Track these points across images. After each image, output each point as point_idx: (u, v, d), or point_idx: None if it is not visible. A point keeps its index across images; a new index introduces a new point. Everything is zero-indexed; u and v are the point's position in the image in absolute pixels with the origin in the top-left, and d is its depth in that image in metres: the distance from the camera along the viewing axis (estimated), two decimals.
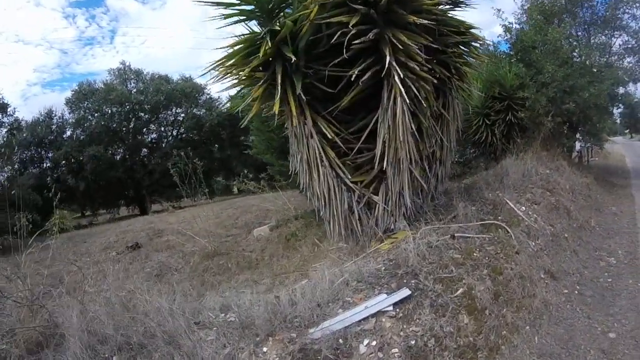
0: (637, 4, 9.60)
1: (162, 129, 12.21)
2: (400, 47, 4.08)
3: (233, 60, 4.68)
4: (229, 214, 9.36)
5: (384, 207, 4.77)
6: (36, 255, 4.12)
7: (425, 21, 4.02)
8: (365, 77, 4.15)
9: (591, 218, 6.59)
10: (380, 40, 4.22)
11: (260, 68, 4.66)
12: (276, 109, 4.39)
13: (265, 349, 2.76)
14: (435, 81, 4.42)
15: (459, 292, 3.52)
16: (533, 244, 4.72)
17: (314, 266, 4.91)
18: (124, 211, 12.70)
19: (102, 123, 11.24)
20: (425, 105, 4.68)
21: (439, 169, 5.46)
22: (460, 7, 5.30)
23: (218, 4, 4.60)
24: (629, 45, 9.80)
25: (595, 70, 9.20)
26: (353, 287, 3.59)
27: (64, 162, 11.45)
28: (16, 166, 10.84)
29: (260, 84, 4.61)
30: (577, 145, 10.21)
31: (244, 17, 4.73)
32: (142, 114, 12.91)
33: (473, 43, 5.45)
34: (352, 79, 4.17)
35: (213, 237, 8.22)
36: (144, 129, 12.78)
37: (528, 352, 3.35)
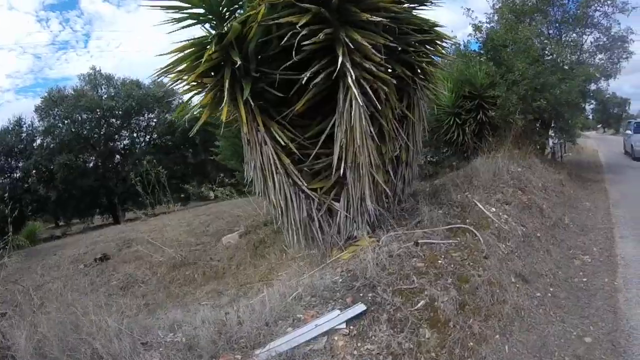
0: (609, 2, 9.46)
1: (135, 135, 11.65)
2: (355, 47, 3.78)
3: (183, 65, 4.26)
4: (202, 220, 8.90)
5: (346, 214, 4.39)
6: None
7: (378, 18, 3.69)
8: (318, 79, 3.82)
9: (565, 215, 6.32)
10: (335, 40, 3.88)
11: (212, 73, 4.26)
12: (224, 116, 4.05)
13: None
14: (394, 81, 4.09)
15: (420, 304, 3.18)
16: (503, 246, 4.39)
17: (279, 275, 4.55)
18: (99, 220, 12.11)
19: (73, 130, 10.65)
20: (387, 106, 4.35)
21: (405, 171, 5.11)
22: (426, 5, 4.98)
23: (168, 7, 4.19)
24: (600, 43, 9.65)
25: (566, 67, 9.03)
26: (306, 303, 3.27)
27: (34, 171, 10.83)
28: None
29: (207, 90, 4.22)
30: (550, 141, 10.03)
31: (195, 21, 4.33)
32: (114, 120, 12.26)
33: (439, 42, 5.11)
34: (304, 82, 3.84)
35: (183, 246, 7.81)
36: (116, 136, 12.17)
37: None
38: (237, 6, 4.32)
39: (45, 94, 11.34)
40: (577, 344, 3.30)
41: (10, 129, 10.95)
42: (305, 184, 4.40)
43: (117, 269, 7.44)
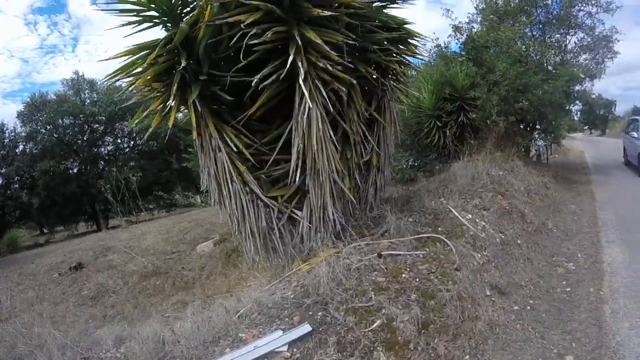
0: (593, 1, 9.09)
1: (119, 140, 11.16)
2: (311, 45, 3.43)
3: (138, 69, 3.88)
4: (181, 228, 8.51)
5: (309, 224, 3.97)
6: None
7: (328, 12, 3.29)
8: (269, 81, 3.44)
9: (548, 219, 5.88)
10: (290, 39, 3.48)
11: (165, 78, 3.88)
12: (170, 122, 3.68)
13: None
14: (354, 81, 3.67)
15: (375, 324, 2.76)
16: (479, 256, 3.95)
17: (249, 285, 4.16)
18: (83, 227, 11.66)
19: (55, 136, 10.19)
20: (352, 108, 3.95)
21: (377, 177, 4.68)
22: (397, 3, 4.59)
23: (122, 11, 3.83)
24: (584, 43, 9.27)
25: (550, 68, 8.64)
26: (251, 320, 2.94)
27: (17, 178, 10.39)
28: None
29: (158, 95, 3.84)
30: (535, 143, 9.60)
31: (152, 24, 3.96)
32: (97, 126, 11.74)
33: (411, 40, 4.70)
34: (253, 84, 3.47)
35: (158, 254, 7.48)
36: (99, 142, 11.68)
37: None
38: (189, 8, 3.95)
39: (28, 99, 11.00)
40: None
41: None
42: (263, 192, 4.03)
43: (89, 279, 7.12)
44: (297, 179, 3.66)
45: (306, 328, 2.65)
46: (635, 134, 10.23)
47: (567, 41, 9.12)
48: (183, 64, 3.50)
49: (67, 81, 11.96)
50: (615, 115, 37.97)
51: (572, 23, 8.92)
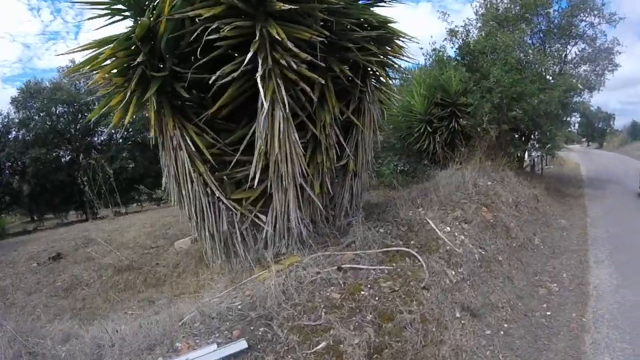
0: (595, 12, 8.65)
1: (112, 130, 10.81)
2: (277, 42, 3.10)
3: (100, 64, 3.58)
4: (166, 222, 8.22)
5: (271, 230, 3.63)
6: None
7: (288, 6, 2.97)
8: (227, 79, 3.11)
9: (535, 235, 5.49)
10: (255, 35, 3.15)
11: (126, 73, 3.58)
12: (128, 118, 3.47)
13: None
14: (322, 81, 3.32)
15: (320, 346, 2.44)
16: (452, 273, 3.58)
17: (218, 286, 3.86)
18: (73, 216, 11.39)
19: (48, 124, 9.89)
20: (325, 110, 3.61)
21: (354, 182, 4.31)
22: (384, 1, 4.24)
23: (92, 4, 3.57)
24: (585, 54, 8.83)
25: (549, 77, 8.22)
26: (192, 329, 2.67)
27: (8, 164, 10.13)
28: None
29: (118, 90, 3.57)
30: (529, 154, 9.16)
31: (121, 17, 3.68)
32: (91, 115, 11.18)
33: (396, 40, 4.33)
34: (211, 82, 3.17)
35: (137, 248, 7.20)
36: (92, 131, 11.32)
37: None
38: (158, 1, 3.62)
39: (23, 86, 10.73)
40: None
41: None
42: (226, 194, 3.70)
43: (66, 270, 6.86)
44: (257, 183, 3.31)
45: (242, 344, 2.36)
46: None
47: (568, 51, 8.71)
48: (139, 59, 3.22)
49: (63, 68, 11.68)
50: (614, 129, 37.44)
51: (573, 33, 8.49)
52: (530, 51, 8.39)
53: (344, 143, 3.85)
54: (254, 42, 3.06)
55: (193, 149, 3.50)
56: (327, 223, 4.18)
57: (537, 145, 8.27)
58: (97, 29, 3.59)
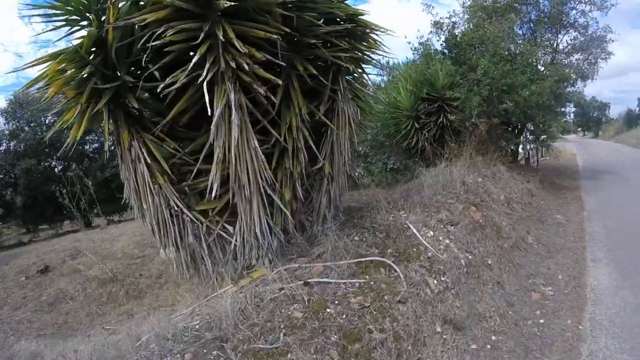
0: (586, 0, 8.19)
1: (102, 139, 10.50)
2: (228, 43, 2.78)
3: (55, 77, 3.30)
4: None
5: (235, 241, 3.33)
6: None
7: (229, 3, 2.64)
8: (177, 85, 2.80)
9: (529, 233, 5.10)
10: (210, 37, 2.85)
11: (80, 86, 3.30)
12: (80, 132, 3.18)
13: None
14: (279, 82, 3.00)
15: None
16: (434, 282, 3.22)
17: (185, 302, 3.58)
18: (68, 226, 11.16)
19: (39, 134, 9.64)
20: (292, 112, 3.28)
21: (331, 186, 3.97)
22: None
23: (47, 15, 3.28)
24: (577, 42, 8.36)
25: (540, 67, 7.78)
26: (146, 351, 2.40)
27: (0, 176, 9.93)
28: None
29: (70, 103, 3.30)
30: (523, 146, 8.72)
31: (78, 28, 3.37)
32: None
33: (372, 35, 3.97)
34: (159, 90, 2.89)
35: (125, 258, 6.90)
36: (82, 139, 11.03)
37: None
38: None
39: (12, 97, 10.47)
40: None
41: None
42: (187, 206, 3.42)
43: (52, 283, 6.59)
44: (216, 193, 3.01)
45: None
46: None
47: (559, 40, 8.25)
48: (86, 71, 2.97)
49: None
50: (609, 118, 36.68)
51: (564, 21, 8.02)
52: (519, 41, 7.97)
53: (313, 146, 3.49)
54: (202, 44, 2.75)
55: (152, 160, 3.23)
56: (304, 231, 3.86)
57: (530, 138, 7.84)
58: (56, 41, 3.34)
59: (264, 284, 2.90)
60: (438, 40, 6.76)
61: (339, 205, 4.26)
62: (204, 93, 3.04)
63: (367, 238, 3.35)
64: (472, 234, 4.12)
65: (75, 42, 3.16)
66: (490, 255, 4.05)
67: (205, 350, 2.29)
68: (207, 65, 2.76)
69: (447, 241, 3.75)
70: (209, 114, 2.74)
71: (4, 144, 9.88)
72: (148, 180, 3.32)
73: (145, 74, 3.08)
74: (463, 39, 6.93)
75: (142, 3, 3.18)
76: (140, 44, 2.91)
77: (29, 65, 3.32)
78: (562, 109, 8.63)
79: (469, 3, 8.39)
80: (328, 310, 2.55)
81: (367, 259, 3.05)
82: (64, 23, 3.31)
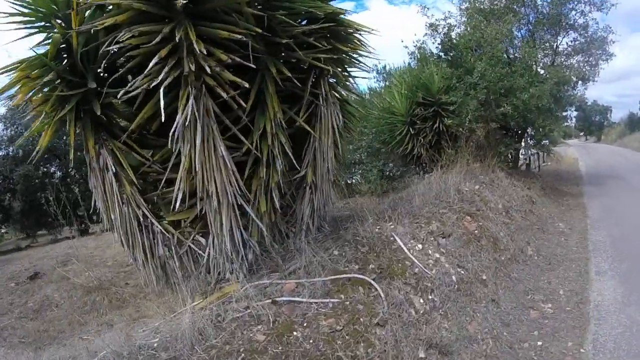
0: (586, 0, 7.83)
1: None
2: (191, 45, 2.53)
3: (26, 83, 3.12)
4: None
5: (214, 253, 3.05)
6: None
7: (183, 1, 2.39)
8: (137, 91, 2.58)
9: (529, 243, 4.72)
10: (173, 40, 2.62)
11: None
12: (46, 141, 3.06)
13: None
14: (245, 84, 2.72)
15: None
16: (420, 301, 2.89)
17: (156, 315, 3.34)
18: (67, 231, 11.05)
19: (36, 140, 9.53)
20: (267, 118, 3.01)
21: (314, 195, 3.68)
22: None
23: (19, 22, 3.06)
24: (577, 44, 7.97)
25: (540, 70, 7.41)
26: None
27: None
28: None
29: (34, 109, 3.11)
30: (524, 152, 8.29)
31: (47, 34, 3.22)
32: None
33: (357, 35, 3.71)
34: (119, 97, 2.69)
35: (115, 265, 6.67)
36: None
37: None
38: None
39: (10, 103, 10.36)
40: None
41: None
42: (156, 217, 3.14)
43: (40, 290, 6.40)
44: (185, 203, 2.78)
45: None
46: None
47: (559, 42, 7.87)
48: (48, 77, 2.78)
49: None
50: (611, 122, 35.82)
51: (563, 23, 7.65)
52: (518, 44, 7.62)
53: (289, 153, 3.20)
54: (163, 47, 2.51)
55: (120, 169, 3.04)
56: (285, 242, 3.56)
57: (531, 143, 7.44)
58: (31, 47, 3.08)
59: (230, 301, 2.62)
60: (433, 43, 6.46)
61: (325, 215, 3.96)
62: (172, 98, 2.84)
63: (348, 252, 3.03)
64: (465, 247, 3.78)
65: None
66: (485, 270, 3.70)
67: None
68: (166, 69, 2.53)
69: (437, 255, 3.41)
70: (163, 120, 2.48)
71: (3, 150, 9.81)
72: (116, 189, 3.10)
73: (110, 80, 2.89)
74: (460, 42, 6.61)
75: (110, 7, 2.97)
76: (102, 49, 2.71)
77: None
78: (564, 113, 8.22)
79: (466, 5, 8.07)
80: (294, 333, 2.24)
81: (345, 276, 2.74)
82: (37, 30, 3.13)
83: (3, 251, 10.27)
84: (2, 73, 3.00)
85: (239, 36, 2.58)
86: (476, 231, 4.12)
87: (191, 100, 2.54)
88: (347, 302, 2.54)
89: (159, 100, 2.79)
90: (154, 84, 2.42)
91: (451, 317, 2.96)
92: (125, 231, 3.21)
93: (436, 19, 6.59)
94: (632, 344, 2.81)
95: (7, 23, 2.97)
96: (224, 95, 2.58)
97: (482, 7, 7.77)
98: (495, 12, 7.77)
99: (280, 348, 2.13)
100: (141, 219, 3.18)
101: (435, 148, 6.23)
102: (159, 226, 3.12)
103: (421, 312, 2.81)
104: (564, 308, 3.47)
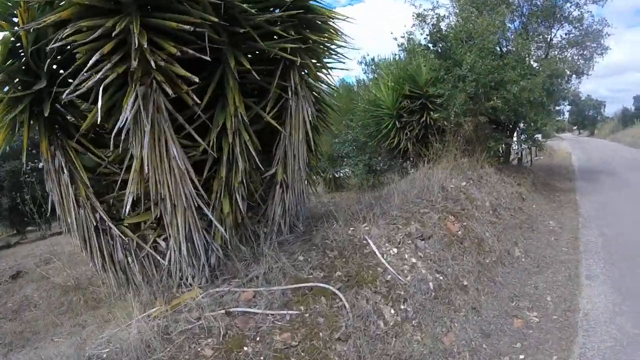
0: None
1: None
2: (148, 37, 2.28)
3: None
4: None
5: (176, 256, 2.78)
6: None
7: None
8: (81, 90, 2.30)
9: (516, 244, 4.41)
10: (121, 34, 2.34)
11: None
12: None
13: None
14: (195, 79, 2.38)
15: None
16: (391, 312, 2.60)
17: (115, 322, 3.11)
18: (57, 227, 10.78)
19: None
20: (228, 114, 2.71)
21: (286, 194, 3.38)
22: None
23: None
24: (571, 36, 7.53)
25: (533, 63, 7.00)
26: None
27: None
28: None
29: None
30: (515, 146, 7.91)
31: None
32: None
33: (330, 23, 3.37)
34: (64, 96, 2.45)
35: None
36: None
37: None
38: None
39: None
40: None
41: None
42: (113, 220, 2.91)
43: (21, 289, 6.19)
44: (140, 206, 2.53)
45: None
46: None
47: (553, 35, 7.43)
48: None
49: None
50: (605, 117, 35.21)
51: (557, 15, 7.21)
52: (510, 35, 7.20)
53: (252, 151, 2.88)
54: (107, 43, 2.20)
55: (73, 171, 2.82)
56: (253, 244, 3.27)
57: (522, 137, 7.06)
58: None
59: (185, 310, 2.35)
60: (422, 34, 6.06)
61: (298, 214, 3.66)
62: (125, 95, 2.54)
63: (314, 258, 2.73)
64: (446, 250, 3.47)
65: None
66: (467, 275, 3.39)
67: None
68: (109, 66, 2.22)
69: (414, 260, 3.11)
70: (99, 120, 2.18)
71: None
72: (71, 191, 2.86)
73: (59, 79, 2.62)
74: (449, 33, 6.20)
75: (62, 3, 2.65)
76: (49, 47, 2.44)
77: None
78: (556, 107, 7.82)
79: None
80: (245, 349, 1.97)
81: (306, 284, 2.44)
82: None
83: None
84: None
85: (188, 26, 2.26)
86: (459, 232, 3.81)
87: (132, 98, 2.24)
88: (307, 315, 2.25)
89: (109, 98, 2.52)
90: (89, 84, 2.11)
91: (425, 329, 2.67)
92: (83, 235, 2.96)
93: (424, 9, 6.17)
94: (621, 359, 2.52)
95: None
96: (169, 91, 2.26)
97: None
98: (488, 4, 7.33)
99: None
100: (98, 223, 2.92)
101: (422, 142, 5.89)
102: (115, 229, 2.84)
103: (391, 323, 2.52)
104: (550, 317, 3.17)
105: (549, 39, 7.34)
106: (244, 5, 2.62)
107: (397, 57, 7.05)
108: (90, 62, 2.23)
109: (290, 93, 3.16)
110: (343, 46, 3.53)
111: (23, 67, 2.73)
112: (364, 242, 3.03)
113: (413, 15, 6.00)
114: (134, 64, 2.24)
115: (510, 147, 7.31)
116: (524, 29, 7.33)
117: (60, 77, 2.65)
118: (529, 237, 4.75)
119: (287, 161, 3.34)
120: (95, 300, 5.22)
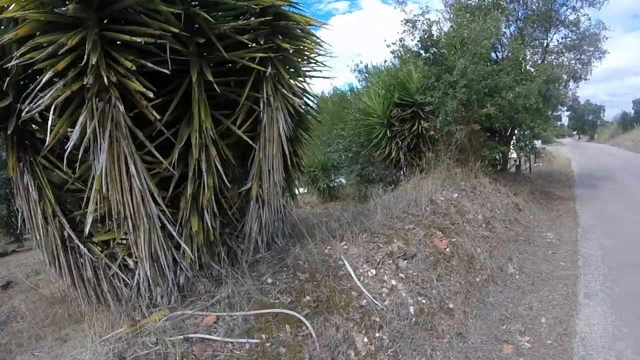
0: None
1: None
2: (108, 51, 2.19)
3: None
4: None
5: (145, 275, 2.61)
6: None
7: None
8: (39, 108, 2.19)
9: (511, 259, 4.10)
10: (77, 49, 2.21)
11: None
12: None
13: None
14: (149, 94, 2.20)
15: None
16: (364, 340, 2.35)
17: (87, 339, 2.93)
18: None
19: None
20: (192, 127, 2.52)
21: (262, 210, 3.17)
22: None
23: None
24: (568, 40, 7.19)
25: (530, 68, 6.69)
26: None
27: None
28: None
29: None
30: (513, 154, 7.56)
31: None
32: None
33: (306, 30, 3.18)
34: (24, 114, 2.33)
35: None
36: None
37: None
38: None
39: None
40: None
41: None
42: (80, 238, 2.77)
43: (10, 300, 6.11)
44: (89, 228, 2.39)
45: None
46: None
47: (549, 39, 7.11)
48: None
49: None
50: (604, 121, 34.28)
51: (554, 19, 6.89)
52: (506, 41, 6.91)
53: (220, 168, 2.68)
54: (62, 59, 2.07)
55: (40, 187, 2.70)
56: (228, 262, 3.06)
57: (518, 145, 6.73)
58: None
59: (144, 334, 2.15)
60: (412, 40, 5.80)
61: (277, 230, 3.44)
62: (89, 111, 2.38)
63: (282, 280, 2.50)
64: (431, 269, 3.20)
65: None
66: (454, 296, 3.11)
67: None
68: (61, 83, 2.06)
69: (394, 282, 2.85)
70: (48, 140, 2.02)
71: None
72: (40, 208, 2.73)
73: (23, 95, 2.46)
74: (442, 38, 5.94)
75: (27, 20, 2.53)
76: (9, 64, 2.29)
77: None
78: (554, 113, 7.45)
79: (451, 1, 7.38)
80: None
81: (271, 310, 2.21)
82: None
83: None
84: None
85: (140, 39, 2.09)
86: (447, 249, 3.53)
87: (83, 116, 2.09)
88: (268, 344, 2.02)
89: (71, 114, 2.38)
90: (45, 101, 1.96)
91: (402, 358, 2.41)
92: (51, 252, 2.81)
93: (414, 15, 5.91)
94: None
95: None
96: (121, 107, 2.09)
97: (468, 2, 7.07)
98: (482, 9, 7.06)
99: None
100: (66, 240, 2.77)
101: (414, 152, 5.62)
102: (83, 247, 2.69)
103: (363, 353, 2.27)
104: (544, 341, 2.87)
105: (545, 44, 7.02)
106: (205, 15, 2.43)
107: (388, 64, 6.81)
108: (44, 79, 2.11)
109: (262, 105, 2.96)
110: (321, 54, 3.34)
111: None
112: (340, 262, 2.79)
113: (402, 22, 5.75)
114: (89, 80, 2.10)
115: (507, 155, 6.98)
116: (519, 34, 7.03)
117: (24, 94, 2.52)
118: (524, 251, 4.43)
119: (262, 176, 3.13)
120: (80, 313, 5.10)
